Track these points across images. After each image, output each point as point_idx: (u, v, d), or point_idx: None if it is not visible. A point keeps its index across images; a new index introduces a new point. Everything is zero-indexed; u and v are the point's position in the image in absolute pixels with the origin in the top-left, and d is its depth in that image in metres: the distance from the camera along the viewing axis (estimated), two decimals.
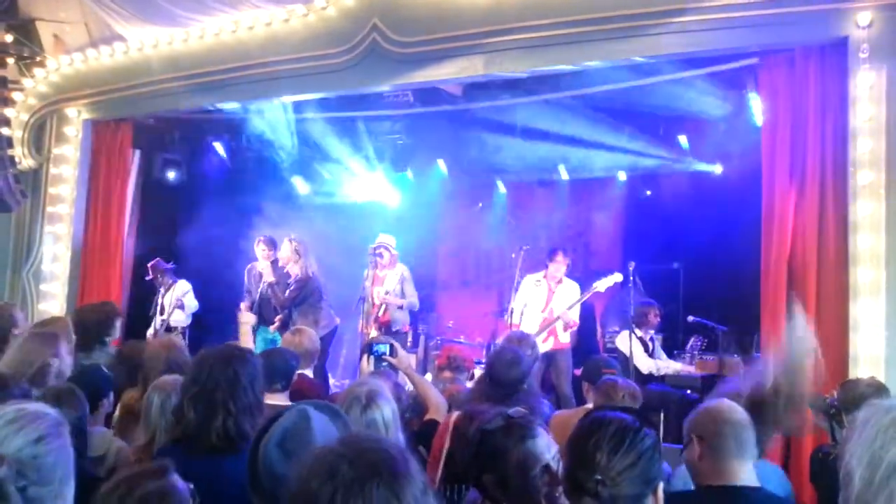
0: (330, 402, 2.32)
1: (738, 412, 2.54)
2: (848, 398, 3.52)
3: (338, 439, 1.51)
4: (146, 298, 8.30)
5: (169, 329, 7.67)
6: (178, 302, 7.83)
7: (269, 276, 7.45)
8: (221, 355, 2.73)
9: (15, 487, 1.53)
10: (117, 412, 3.67)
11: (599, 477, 1.75)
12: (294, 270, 7.35)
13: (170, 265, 8.12)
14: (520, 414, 2.26)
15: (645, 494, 1.80)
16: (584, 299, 7.09)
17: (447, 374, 5.20)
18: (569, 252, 7.35)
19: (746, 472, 2.44)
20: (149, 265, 8.08)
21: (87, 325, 4.85)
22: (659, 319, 7.18)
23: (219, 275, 8.48)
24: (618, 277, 7.14)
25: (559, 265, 7.15)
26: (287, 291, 7.30)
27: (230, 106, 7.54)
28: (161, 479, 1.79)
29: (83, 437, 3.06)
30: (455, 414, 3.20)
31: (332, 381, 8.38)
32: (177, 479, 1.79)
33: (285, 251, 7.39)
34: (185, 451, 2.57)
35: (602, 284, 7.11)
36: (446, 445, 3.05)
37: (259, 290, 7.54)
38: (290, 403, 3.64)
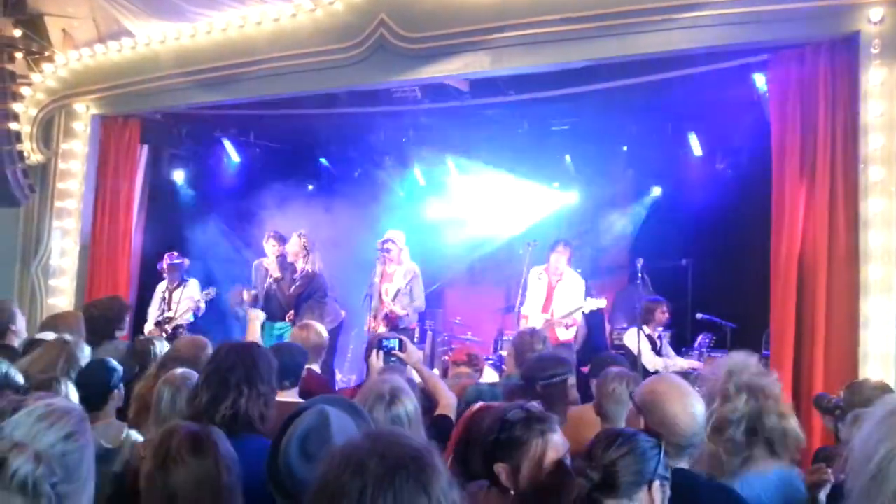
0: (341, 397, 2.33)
1: None
2: (854, 399, 3.49)
3: (364, 434, 1.52)
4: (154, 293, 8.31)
5: (177, 329, 7.67)
6: (195, 305, 7.81)
7: (275, 272, 7.47)
8: (241, 345, 2.91)
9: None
10: (133, 406, 3.67)
11: (594, 464, 2.04)
12: (301, 265, 7.38)
13: (185, 262, 8.12)
14: (538, 409, 2.33)
15: (637, 484, 2.01)
16: (569, 316, 7.01)
17: (464, 369, 5.22)
18: (570, 243, 7.33)
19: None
20: (167, 255, 8.05)
21: (96, 319, 4.89)
22: (667, 316, 7.14)
23: (225, 270, 8.50)
24: (602, 303, 7.12)
25: (560, 255, 7.16)
26: (293, 287, 7.32)
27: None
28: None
29: None
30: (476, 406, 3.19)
31: (338, 376, 8.40)
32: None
33: (293, 246, 7.42)
34: None
35: (588, 306, 7.06)
36: (453, 440, 3.05)
37: (265, 285, 7.56)
38: (301, 401, 3.65)
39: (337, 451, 1.46)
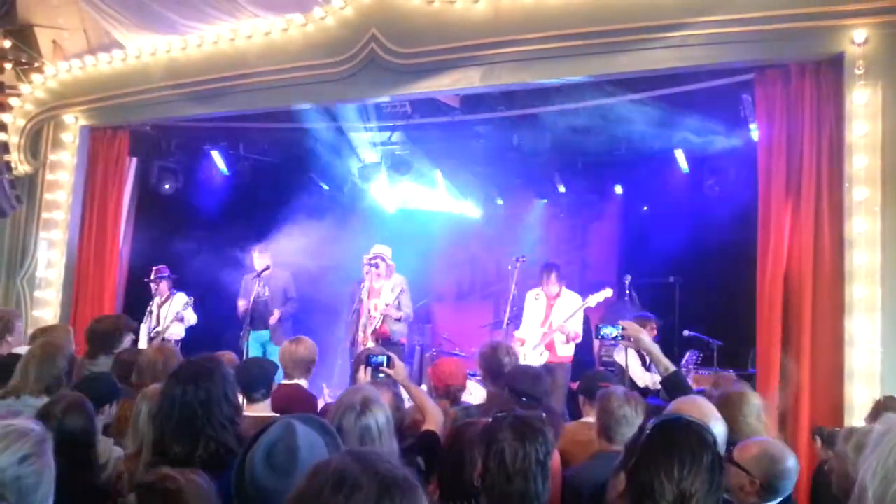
0: (322, 413, 2.30)
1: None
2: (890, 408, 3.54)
3: (344, 453, 1.47)
4: (140, 307, 8.28)
5: (164, 342, 7.64)
6: (177, 315, 7.81)
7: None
8: (188, 377, 2.68)
9: None
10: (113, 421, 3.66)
11: None
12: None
13: (173, 276, 8.11)
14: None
15: None
16: (576, 313, 7.11)
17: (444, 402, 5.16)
18: (552, 265, 7.39)
19: None
20: (154, 268, 8.03)
21: (97, 334, 4.90)
22: (656, 332, 7.15)
23: (213, 284, 8.47)
24: (608, 293, 7.20)
25: (547, 283, 7.22)
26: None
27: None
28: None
29: (93, 448, 3.05)
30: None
31: (326, 391, 8.36)
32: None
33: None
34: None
35: (593, 299, 7.17)
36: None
37: (252, 296, 7.58)
38: (273, 414, 3.63)
39: (322, 469, 1.39)
